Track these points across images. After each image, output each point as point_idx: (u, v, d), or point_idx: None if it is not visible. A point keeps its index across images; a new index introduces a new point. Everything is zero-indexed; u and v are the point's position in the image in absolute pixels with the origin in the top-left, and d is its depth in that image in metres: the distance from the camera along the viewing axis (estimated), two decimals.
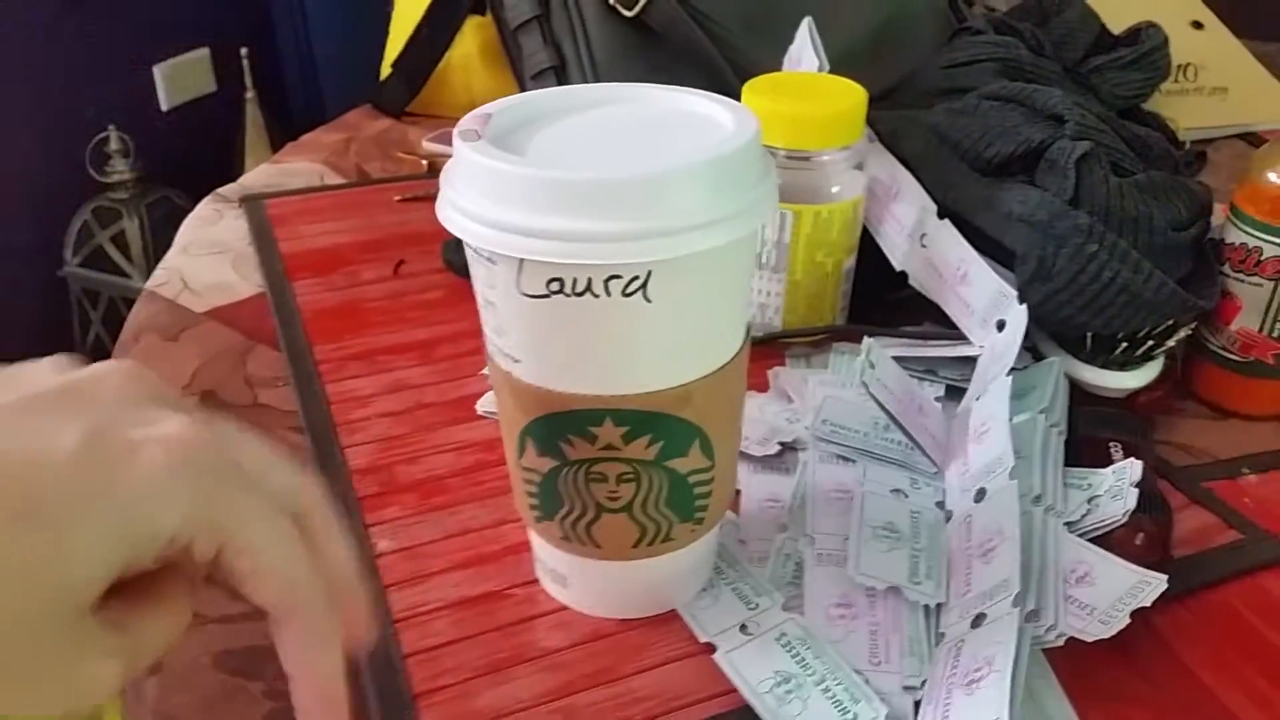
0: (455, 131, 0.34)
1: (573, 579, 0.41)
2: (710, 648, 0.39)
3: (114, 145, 1.72)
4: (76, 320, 1.82)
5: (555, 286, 0.32)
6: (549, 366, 0.35)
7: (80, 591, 0.23)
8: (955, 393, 0.52)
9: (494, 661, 0.39)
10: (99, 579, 0.23)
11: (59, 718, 0.25)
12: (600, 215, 0.31)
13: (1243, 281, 0.52)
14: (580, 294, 0.32)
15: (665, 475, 0.36)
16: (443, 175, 0.34)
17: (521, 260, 0.32)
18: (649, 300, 0.32)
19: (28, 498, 0.22)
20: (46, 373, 0.26)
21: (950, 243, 0.53)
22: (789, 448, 0.50)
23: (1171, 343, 0.51)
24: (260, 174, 0.86)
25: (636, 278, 0.32)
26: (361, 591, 0.29)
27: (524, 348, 0.35)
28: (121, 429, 0.24)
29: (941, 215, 0.54)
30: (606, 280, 0.32)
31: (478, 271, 0.35)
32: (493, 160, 0.32)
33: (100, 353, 1.83)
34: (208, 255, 0.71)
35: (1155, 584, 0.37)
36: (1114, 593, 0.37)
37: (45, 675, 0.23)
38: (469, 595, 0.42)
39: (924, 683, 0.37)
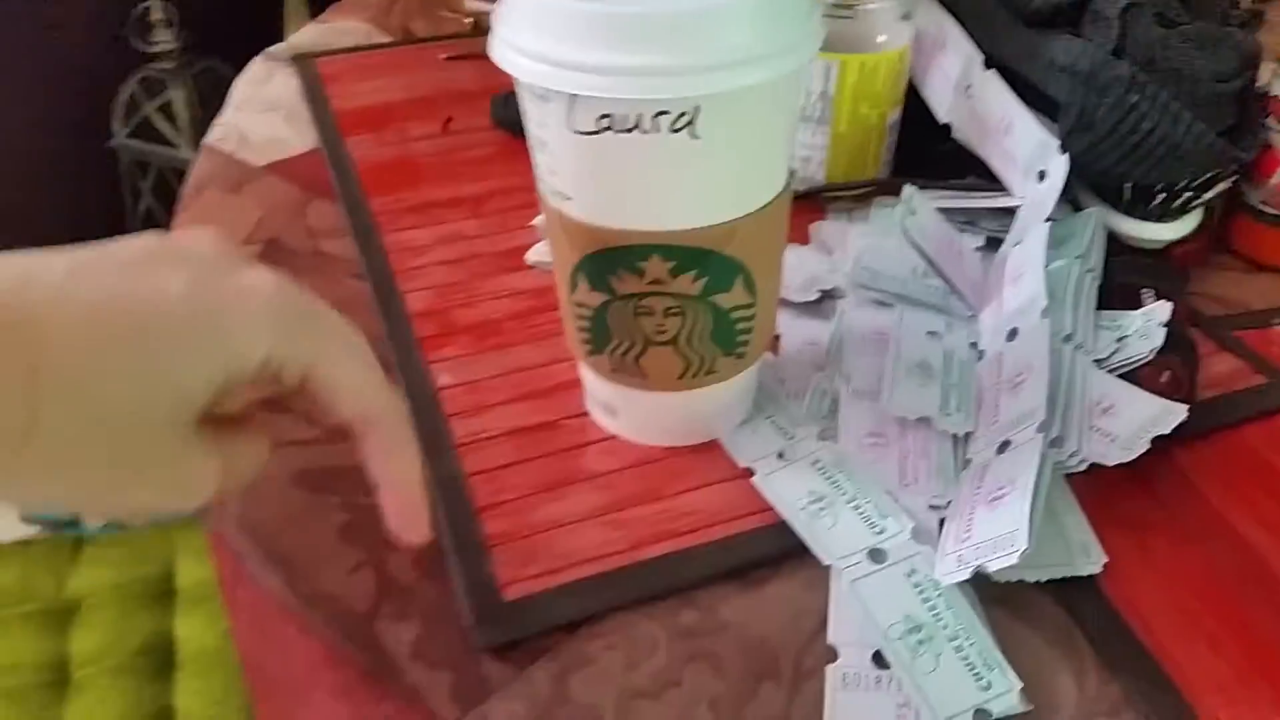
0: None
1: (621, 409, 0.43)
2: (749, 472, 0.42)
3: (157, 15, 1.72)
4: (128, 191, 1.85)
5: (605, 123, 0.34)
6: (599, 203, 0.36)
7: (189, 400, 0.27)
8: (995, 243, 0.53)
9: (549, 481, 0.42)
10: (203, 393, 0.27)
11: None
12: (649, 50, 0.32)
13: None
14: (630, 130, 0.34)
15: (709, 310, 0.38)
16: (495, 14, 0.35)
17: (573, 96, 0.33)
18: (696, 137, 0.34)
19: (147, 322, 0.26)
20: (143, 240, 0.29)
21: (996, 94, 0.53)
22: (828, 295, 0.51)
23: (1210, 195, 0.52)
24: (308, 33, 0.87)
25: (684, 114, 0.33)
26: (424, 494, 0.32)
27: (575, 185, 0.36)
28: (219, 277, 0.28)
29: (987, 66, 0.54)
30: (655, 116, 0.33)
31: (530, 110, 0.36)
32: None
33: (151, 223, 1.87)
34: (262, 113, 0.73)
35: (1176, 412, 0.39)
36: (1136, 421, 0.39)
37: (156, 467, 0.27)
38: (525, 425, 0.45)
39: (949, 502, 0.39)
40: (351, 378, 0.29)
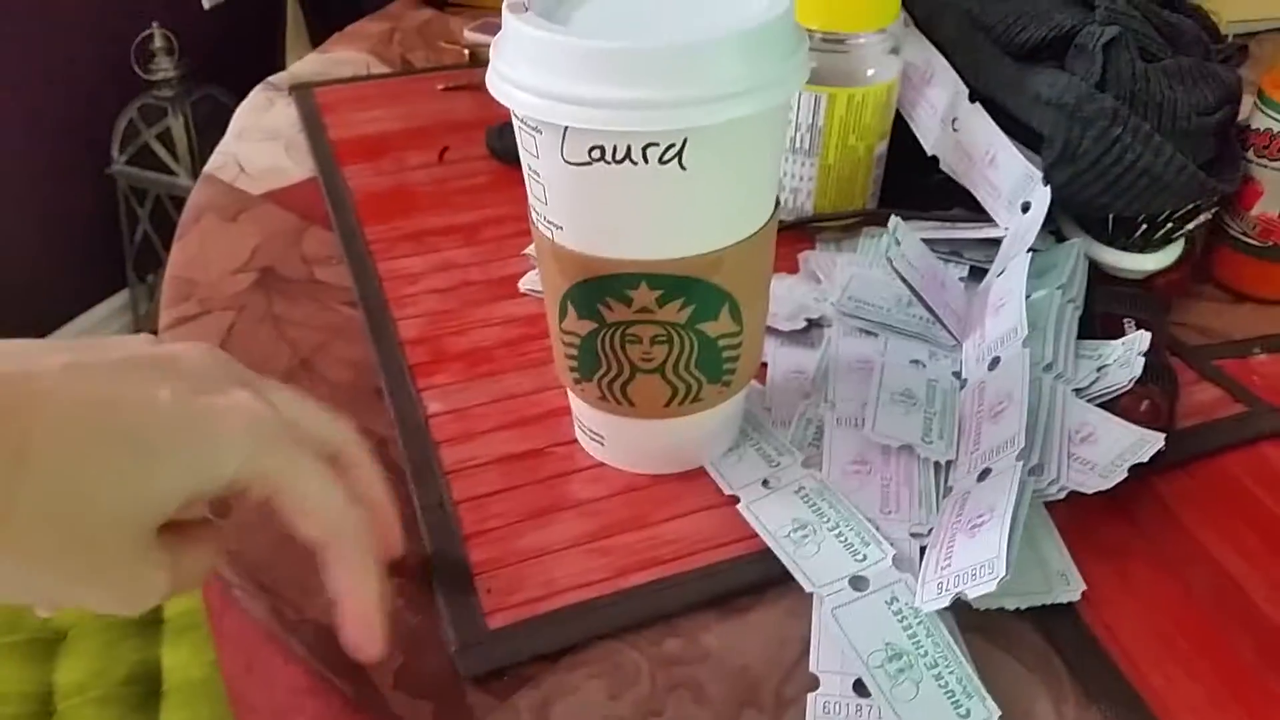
0: (505, 4, 0.36)
1: (608, 437, 0.44)
2: (734, 500, 0.42)
3: (158, 43, 1.74)
4: (124, 217, 1.86)
5: (596, 154, 0.34)
6: (589, 232, 0.37)
7: (157, 509, 0.28)
8: (979, 273, 0.54)
9: (536, 509, 0.42)
10: (172, 503, 0.28)
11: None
12: (639, 84, 0.33)
13: (1266, 167, 0.53)
14: (620, 161, 0.34)
15: (696, 338, 0.39)
16: (493, 47, 0.36)
17: (565, 128, 0.34)
18: (684, 168, 0.35)
19: (133, 429, 0.28)
20: (138, 344, 0.31)
21: (981, 126, 0.54)
22: (815, 324, 0.52)
23: (1191, 226, 0.53)
24: (308, 63, 0.88)
25: (673, 145, 0.34)
26: (392, 508, 0.36)
27: (566, 214, 0.37)
28: (206, 393, 0.30)
29: (973, 99, 0.55)
30: (645, 148, 0.34)
31: (524, 141, 0.37)
32: (539, 31, 0.34)
33: (148, 249, 1.88)
34: (261, 141, 0.74)
35: (1153, 441, 0.40)
36: (1114, 450, 0.40)
37: (115, 568, 0.28)
38: (513, 452, 0.45)
39: (931, 530, 0.40)
40: (313, 500, 0.31)
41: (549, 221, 0.38)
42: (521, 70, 0.34)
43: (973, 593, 0.35)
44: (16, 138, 1.67)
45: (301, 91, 0.80)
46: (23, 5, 1.61)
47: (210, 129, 0.91)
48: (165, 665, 0.85)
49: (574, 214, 0.37)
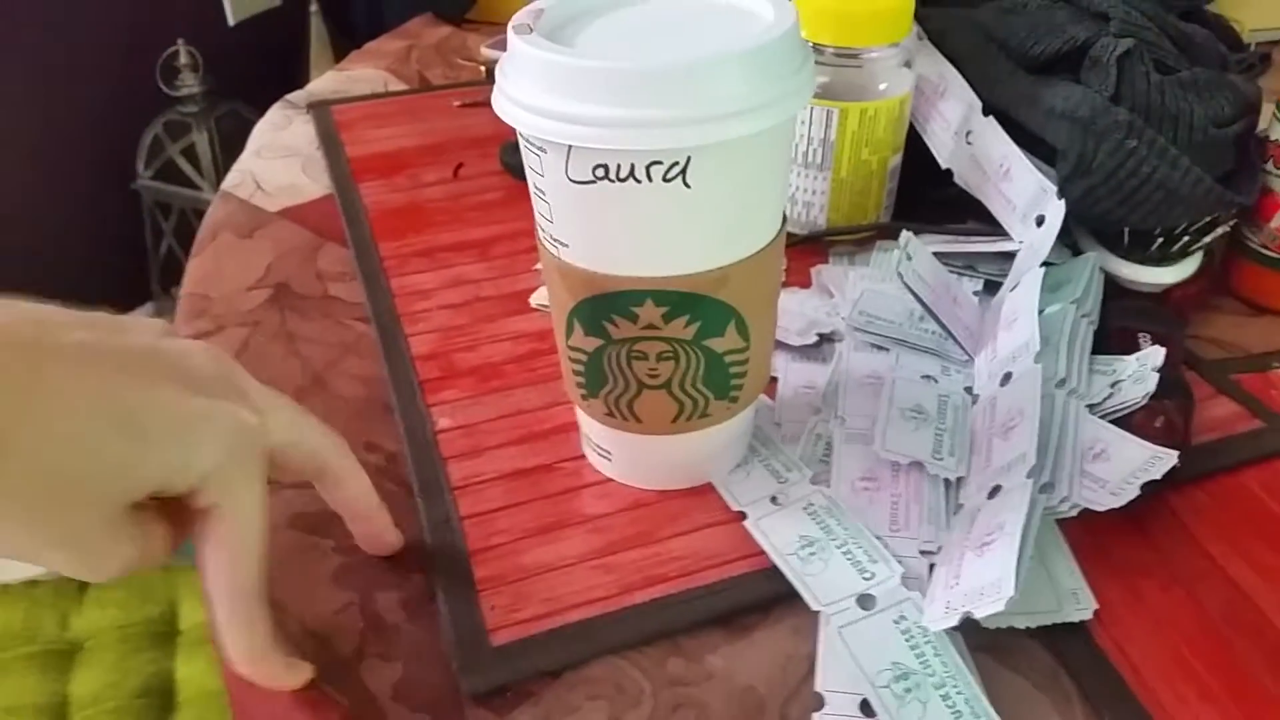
0: (510, 25, 0.36)
1: (616, 453, 0.44)
2: (741, 516, 0.42)
3: (183, 60, 1.76)
4: (149, 232, 1.88)
5: (600, 173, 0.34)
6: (594, 250, 0.37)
7: (128, 494, 0.30)
8: (994, 288, 0.54)
9: (542, 525, 0.42)
10: (143, 491, 0.30)
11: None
12: (642, 103, 0.33)
13: None
14: (624, 179, 0.34)
15: (703, 354, 0.39)
16: (498, 67, 0.36)
17: (569, 147, 0.34)
18: (688, 185, 0.35)
19: (130, 418, 0.29)
20: (152, 333, 0.33)
21: (994, 139, 0.54)
22: (826, 339, 0.52)
23: (1209, 239, 0.52)
24: (326, 81, 0.89)
25: (676, 163, 0.34)
26: (382, 510, 0.39)
27: (571, 232, 0.37)
28: (199, 395, 0.31)
29: (986, 113, 0.54)
30: (648, 166, 0.34)
31: (530, 160, 0.37)
32: (543, 52, 0.34)
33: (173, 263, 1.90)
34: (279, 158, 0.74)
35: (1166, 459, 0.39)
36: (1126, 467, 0.39)
37: (85, 541, 0.30)
38: (521, 468, 0.45)
39: (940, 548, 0.39)
40: (231, 526, 0.32)
41: (554, 239, 0.38)
42: (526, 90, 0.34)
43: (980, 613, 0.34)
44: (44, 153, 1.70)
45: (319, 109, 0.81)
46: (49, 23, 1.63)
47: (234, 144, 0.93)
48: (179, 677, 0.85)
49: (579, 232, 0.37)
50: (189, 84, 1.77)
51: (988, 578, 0.35)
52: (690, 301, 0.37)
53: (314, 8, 2.00)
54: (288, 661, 0.35)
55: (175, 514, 0.33)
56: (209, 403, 0.31)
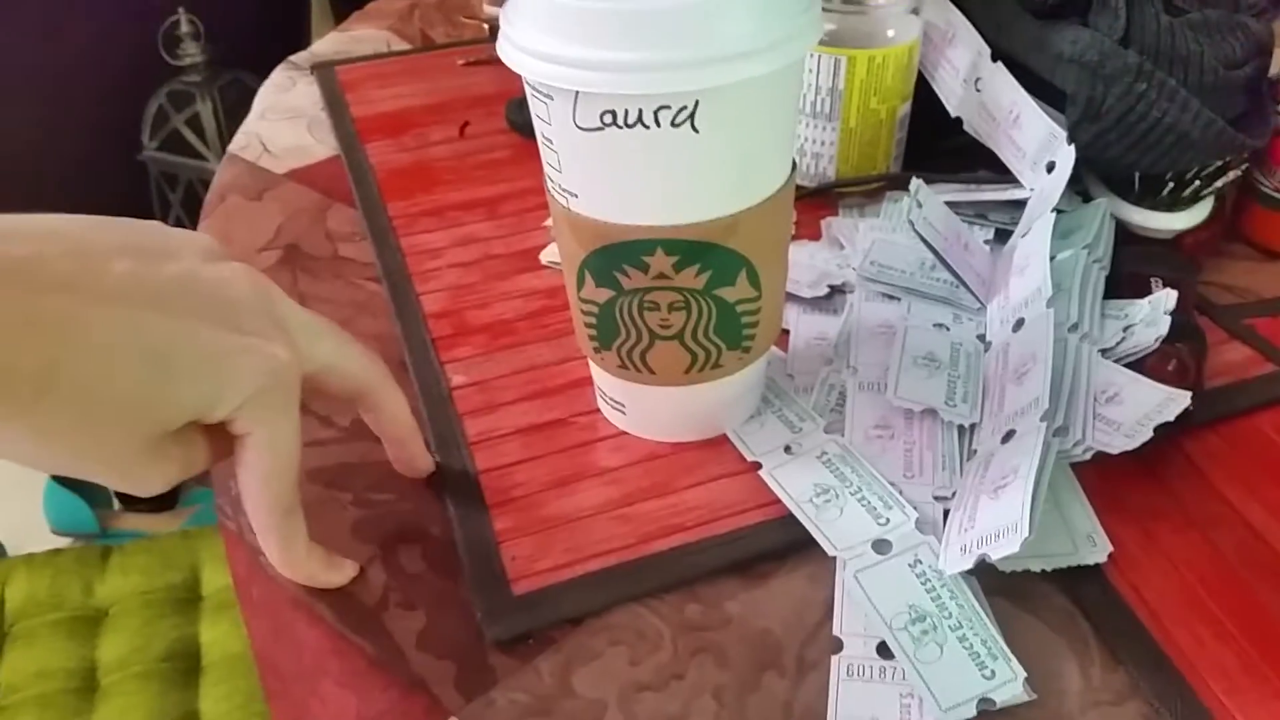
0: None
1: (630, 405, 0.44)
2: (756, 466, 0.42)
3: (185, 29, 1.75)
4: (157, 202, 1.88)
5: (608, 119, 0.34)
6: (603, 199, 0.37)
7: (166, 423, 0.31)
8: (1005, 236, 0.53)
9: (559, 478, 0.42)
10: (180, 420, 0.32)
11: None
12: (648, 45, 0.32)
13: None
14: (632, 125, 0.34)
15: (714, 304, 0.39)
16: (502, 14, 0.36)
17: (576, 93, 0.34)
18: (696, 130, 0.34)
19: (172, 351, 0.31)
20: (194, 258, 0.33)
21: (1003, 86, 0.53)
22: (838, 290, 0.52)
23: (1220, 184, 0.52)
24: (329, 42, 0.88)
25: (685, 107, 0.34)
26: (416, 436, 0.41)
27: (580, 181, 0.37)
28: (235, 330, 0.32)
29: (995, 58, 0.54)
30: (656, 111, 0.34)
31: (536, 108, 0.37)
32: None
33: None
34: (284, 120, 0.74)
35: (1179, 400, 0.39)
36: (1139, 410, 0.39)
37: (134, 464, 0.32)
38: (536, 422, 0.45)
39: (954, 493, 0.39)
40: (262, 455, 0.34)
41: (564, 189, 0.38)
42: (531, 36, 0.34)
43: (996, 554, 0.34)
44: (48, 127, 1.69)
45: (323, 70, 0.80)
46: None
47: (238, 113, 0.92)
48: (204, 641, 0.86)
49: (588, 180, 0.37)
50: (191, 53, 1.76)
51: (1003, 520, 0.35)
52: (700, 250, 0.37)
53: None
54: (328, 562, 0.37)
55: (218, 431, 0.34)
56: (240, 339, 0.32)
